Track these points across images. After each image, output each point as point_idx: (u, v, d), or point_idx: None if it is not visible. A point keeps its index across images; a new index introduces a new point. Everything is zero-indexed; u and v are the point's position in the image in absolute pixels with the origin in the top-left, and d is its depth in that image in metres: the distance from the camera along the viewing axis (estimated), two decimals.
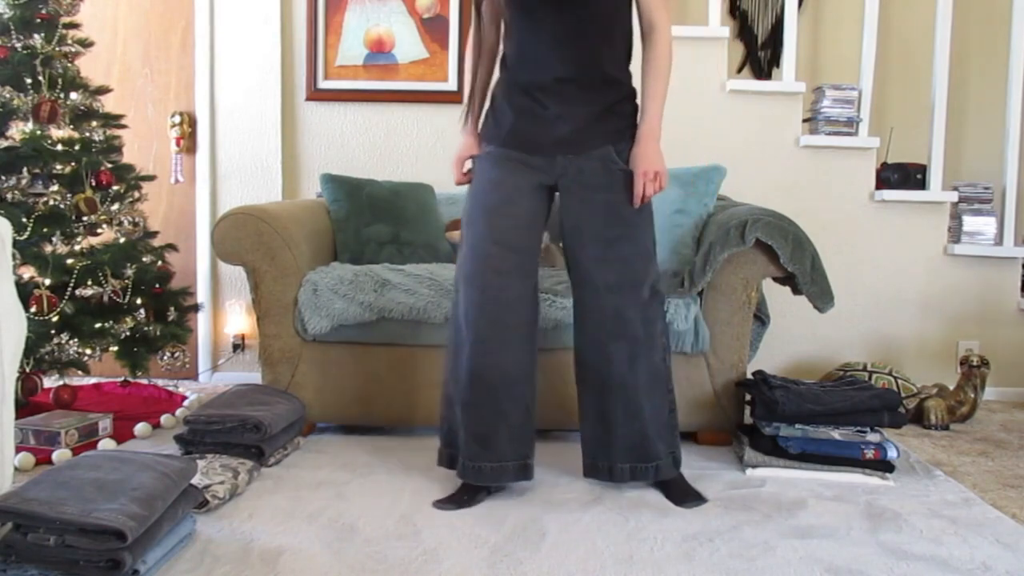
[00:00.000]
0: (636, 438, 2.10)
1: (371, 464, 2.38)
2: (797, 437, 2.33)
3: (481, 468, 2.05)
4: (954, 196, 3.43)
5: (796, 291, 2.55)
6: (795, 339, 3.47)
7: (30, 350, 2.61)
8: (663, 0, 2.04)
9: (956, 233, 3.47)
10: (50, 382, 2.84)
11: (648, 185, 2.01)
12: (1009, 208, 3.44)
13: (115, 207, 2.93)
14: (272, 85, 3.49)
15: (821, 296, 2.52)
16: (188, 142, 3.53)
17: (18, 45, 2.81)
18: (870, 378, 3.04)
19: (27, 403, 2.68)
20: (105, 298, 2.80)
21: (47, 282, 2.65)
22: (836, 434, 2.32)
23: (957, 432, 2.90)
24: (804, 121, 3.49)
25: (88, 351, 2.76)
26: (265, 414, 2.34)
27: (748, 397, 2.57)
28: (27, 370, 2.62)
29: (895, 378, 3.06)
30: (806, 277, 2.49)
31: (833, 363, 3.41)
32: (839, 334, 3.47)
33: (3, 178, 2.72)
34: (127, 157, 3.12)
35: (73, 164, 2.80)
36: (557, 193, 2.11)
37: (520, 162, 2.06)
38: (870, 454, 2.29)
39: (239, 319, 3.56)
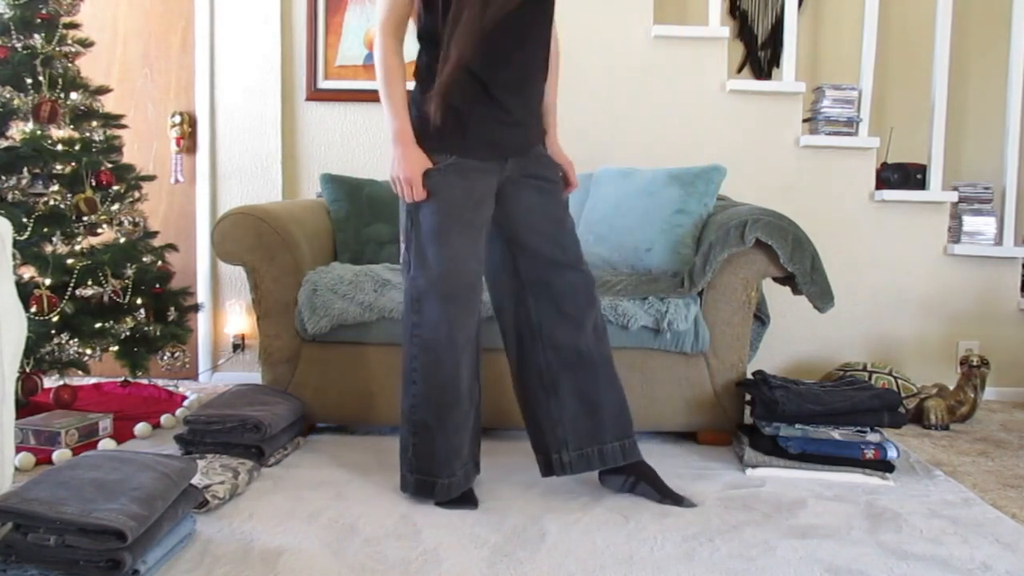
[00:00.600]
0: (617, 409, 2.12)
1: (371, 464, 2.38)
2: (797, 437, 2.33)
3: (456, 481, 2.05)
4: (954, 196, 3.43)
5: (796, 291, 2.56)
6: (795, 339, 3.47)
7: (30, 350, 2.61)
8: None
9: (956, 233, 3.47)
10: (50, 382, 2.84)
11: (574, 173, 2.24)
12: (1009, 208, 3.44)
13: (115, 207, 2.93)
14: (272, 85, 3.49)
15: (821, 296, 2.52)
16: (188, 142, 3.53)
17: (18, 45, 2.81)
18: (870, 378, 3.04)
19: (27, 403, 2.68)
20: (105, 298, 2.80)
21: (47, 282, 2.65)
22: (836, 434, 2.32)
23: (957, 432, 2.90)
24: (804, 121, 3.49)
25: (88, 351, 2.76)
26: (265, 414, 2.34)
27: (748, 397, 2.57)
28: (27, 370, 2.62)
29: (895, 378, 3.06)
30: (806, 277, 2.50)
31: (833, 363, 3.41)
32: (839, 334, 3.47)
33: (3, 178, 2.72)
34: (127, 157, 3.12)
35: (73, 164, 2.80)
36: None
37: (480, 171, 2.02)
38: (870, 454, 2.29)
39: (239, 319, 3.56)
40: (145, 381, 3.15)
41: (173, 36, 3.54)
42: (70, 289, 2.70)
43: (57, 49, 2.85)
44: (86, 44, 2.96)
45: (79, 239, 2.83)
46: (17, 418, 2.17)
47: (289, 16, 3.51)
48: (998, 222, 3.44)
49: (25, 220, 2.64)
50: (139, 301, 2.92)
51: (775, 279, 2.61)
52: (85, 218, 2.80)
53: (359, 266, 2.71)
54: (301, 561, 1.72)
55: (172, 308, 3.04)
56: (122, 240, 2.95)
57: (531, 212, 2.09)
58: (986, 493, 2.24)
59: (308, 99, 3.51)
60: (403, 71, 1.99)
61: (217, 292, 3.57)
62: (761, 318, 2.85)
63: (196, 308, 3.20)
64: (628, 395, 2.54)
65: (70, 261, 2.72)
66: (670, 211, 2.71)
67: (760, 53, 3.82)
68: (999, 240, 3.44)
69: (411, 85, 2.03)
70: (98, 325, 2.77)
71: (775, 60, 3.78)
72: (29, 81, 2.80)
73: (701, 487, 2.21)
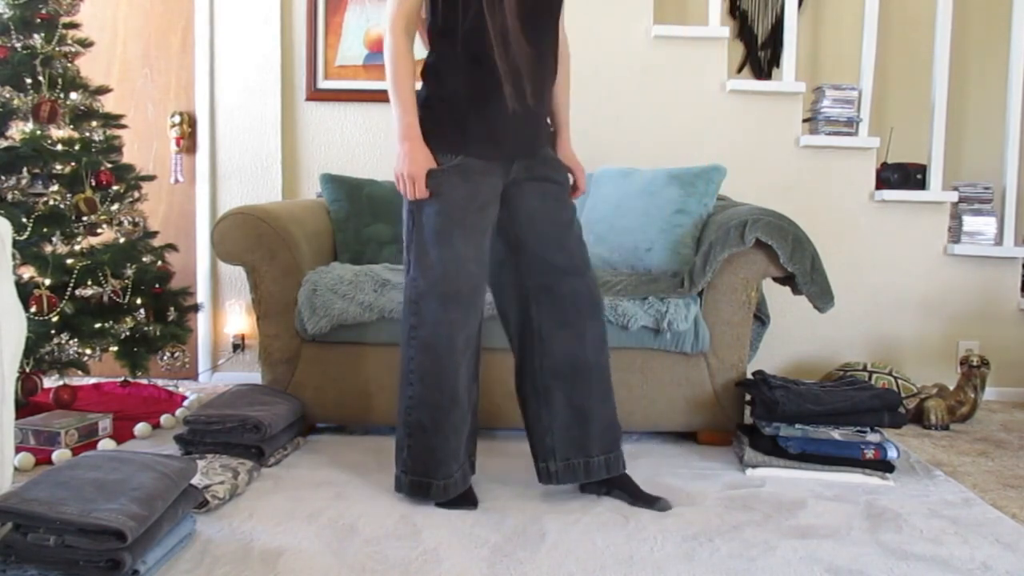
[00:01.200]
0: (607, 423, 2.09)
1: (371, 464, 2.38)
2: (797, 437, 2.33)
3: (453, 482, 2.03)
4: (954, 196, 3.43)
5: (796, 291, 2.56)
6: (795, 339, 3.46)
7: (30, 350, 2.61)
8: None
9: (956, 233, 3.47)
10: (50, 382, 2.84)
11: (584, 177, 2.22)
12: (1009, 208, 3.44)
13: (115, 207, 2.93)
14: (272, 85, 3.49)
15: (821, 296, 2.52)
16: (188, 142, 3.53)
17: (18, 45, 2.81)
18: (870, 378, 3.04)
19: (27, 403, 2.68)
20: (105, 298, 2.80)
21: (47, 282, 2.65)
22: (836, 434, 2.32)
23: (957, 432, 2.90)
24: (804, 121, 3.49)
25: (88, 351, 2.76)
26: (265, 414, 2.34)
27: (748, 397, 2.57)
28: (27, 370, 2.62)
29: (895, 378, 3.06)
30: (806, 277, 2.50)
31: (833, 363, 3.41)
32: (839, 334, 3.47)
33: (3, 178, 2.71)
34: (127, 157, 3.12)
35: (73, 164, 2.80)
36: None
37: (485, 172, 1.99)
38: (870, 454, 2.29)
39: (239, 319, 3.56)
40: (145, 381, 3.15)
41: (173, 36, 3.53)
42: (70, 289, 2.69)
43: (57, 49, 2.85)
44: (86, 44, 2.96)
45: (79, 239, 2.82)
46: (17, 418, 2.17)
47: (289, 16, 3.51)
48: (998, 222, 3.44)
49: (25, 220, 2.64)
50: (139, 301, 2.92)
51: (775, 279, 2.61)
52: (85, 218, 2.80)
53: (359, 266, 2.71)
54: (301, 561, 1.72)
55: (172, 308, 3.04)
56: (122, 240, 2.95)
57: (536, 215, 2.06)
58: (986, 493, 2.24)
59: (308, 99, 3.51)
60: (412, 67, 1.97)
61: (217, 292, 3.57)
62: (761, 318, 2.85)
63: (196, 308, 3.20)
64: (628, 395, 2.56)
65: (70, 261, 2.72)
66: (670, 211, 2.71)
67: (760, 53, 3.82)
68: (999, 240, 3.44)
69: (418, 85, 2.02)
70: (98, 325, 2.77)
71: (775, 60, 3.78)
72: (29, 81, 2.79)
73: (701, 487, 2.21)
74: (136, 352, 2.89)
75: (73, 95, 2.89)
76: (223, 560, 1.72)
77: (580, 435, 2.07)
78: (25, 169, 2.73)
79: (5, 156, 2.71)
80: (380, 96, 3.48)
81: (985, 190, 3.50)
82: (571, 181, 2.19)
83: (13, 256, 1.95)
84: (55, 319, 2.65)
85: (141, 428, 2.65)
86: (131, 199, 3.02)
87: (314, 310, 2.56)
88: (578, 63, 3.40)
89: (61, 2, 2.86)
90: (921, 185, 3.45)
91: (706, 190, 2.71)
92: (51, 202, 2.74)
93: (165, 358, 3.00)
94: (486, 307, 2.53)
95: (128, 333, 2.87)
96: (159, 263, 3.05)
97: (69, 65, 2.90)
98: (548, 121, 2.15)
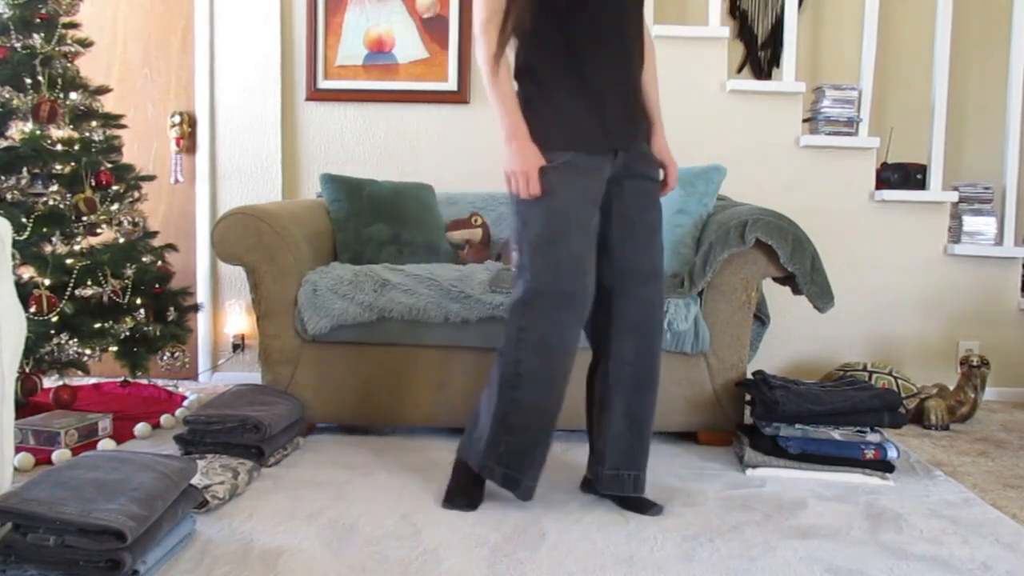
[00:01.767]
0: (648, 442, 2.06)
1: (371, 464, 2.38)
2: (797, 437, 2.33)
3: (535, 486, 2.01)
4: (954, 196, 3.43)
5: (796, 291, 2.55)
6: (795, 339, 3.46)
7: (30, 350, 2.60)
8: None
9: (956, 233, 3.46)
10: (50, 382, 2.84)
11: (677, 174, 2.14)
12: (1009, 208, 3.44)
13: (115, 207, 2.93)
14: (272, 85, 3.49)
15: (821, 296, 2.52)
16: (188, 142, 3.53)
17: (18, 45, 2.81)
18: (870, 378, 3.04)
19: (27, 403, 2.68)
20: (105, 298, 2.80)
21: (47, 282, 2.65)
22: (836, 434, 2.32)
23: (957, 432, 2.90)
24: (804, 121, 3.49)
25: (88, 351, 2.76)
26: (265, 414, 2.34)
27: (748, 397, 2.57)
28: (27, 370, 2.62)
29: (895, 378, 3.06)
30: (806, 277, 2.49)
31: (833, 363, 3.41)
32: (839, 334, 3.47)
33: (3, 178, 2.71)
34: (127, 157, 3.12)
35: (73, 164, 2.80)
36: None
37: (593, 168, 1.94)
38: (870, 454, 2.29)
39: (239, 319, 3.56)
40: (145, 381, 3.15)
41: (173, 36, 3.53)
42: (69, 289, 2.69)
43: (56, 49, 2.85)
44: (86, 44, 2.96)
45: (79, 239, 2.82)
46: (17, 418, 2.17)
47: (289, 16, 3.51)
48: (998, 222, 3.44)
49: (25, 220, 2.64)
50: (139, 301, 2.92)
51: (775, 279, 2.61)
52: (85, 218, 2.80)
53: (359, 266, 2.71)
54: (301, 561, 1.72)
55: (172, 308, 3.04)
56: (122, 240, 2.94)
57: (630, 216, 2.00)
58: (986, 493, 2.24)
59: (308, 99, 3.51)
60: (508, 68, 1.94)
61: (217, 292, 3.57)
62: (761, 318, 2.85)
63: (196, 308, 3.20)
64: None
65: (69, 261, 2.72)
66: (670, 211, 2.70)
67: (760, 53, 3.81)
68: (999, 240, 3.44)
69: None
70: (98, 325, 2.77)
71: (775, 60, 3.78)
72: (28, 81, 2.79)
73: (701, 487, 2.21)
74: (136, 352, 2.89)
75: (73, 95, 2.89)
76: (223, 560, 1.72)
77: (632, 446, 2.04)
78: (25, 169, 2.73)
79: (5, 156, 2.71)
80: (380, 96, 3.48)
81: (985, 190, 3.50)
82: (661, 177, 2.13)
83: (13, 256, 1.95)
84: (55, 319, 2.65)
85: (141, 428, 2.65)
86: (131, 199, 3.01)
87: (314, 310, 2.56)
88: None
89: (61, 2, 2.86)
90: (921, 185, 3.45)
91: (706, 190, 2.71)
92: (51, 202, 2.74)
93: (165, 358, 3.00)
94: (486, 307, 2.54)
95: (128, 333, 2.87)
96: (159, 263, 3.05)
97: (69, 65, 2.90)
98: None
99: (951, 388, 3.07)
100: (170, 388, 3.17)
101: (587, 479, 2.15)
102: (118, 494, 1.61)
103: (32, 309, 2.58)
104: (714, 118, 3.45)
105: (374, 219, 2.99)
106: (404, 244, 2.96)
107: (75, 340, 2.72)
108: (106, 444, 2.51)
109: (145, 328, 2.92)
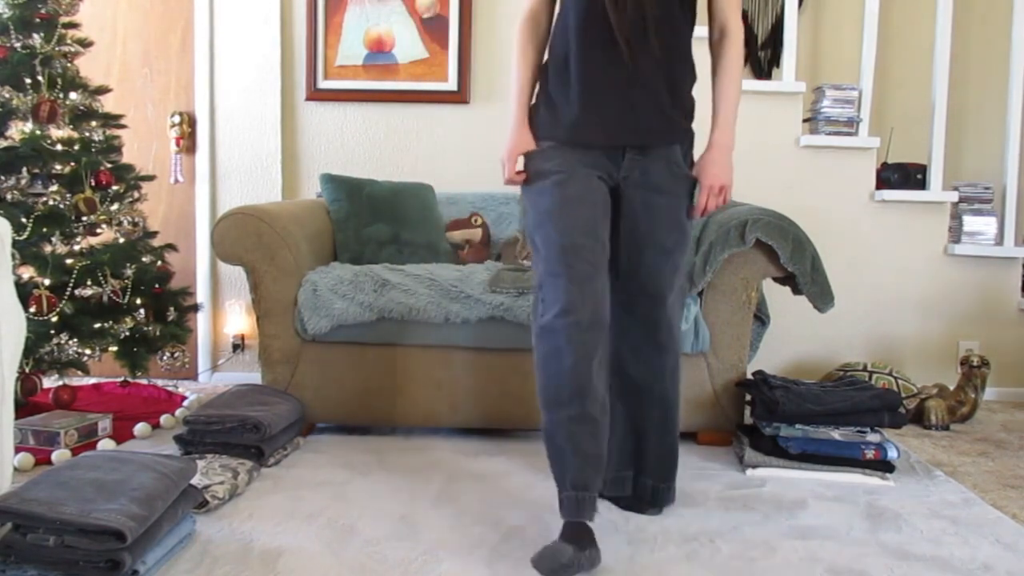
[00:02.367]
0: (665, 450, 2.02)
1: (371, 464, 2.38)
2: (797, 437, 2.32)
3: (590, 495, 1.75)
4: (954, 196, 3.43)
5: (796, 291, 2.55)
6: (795, 339, 3.46)
7: (30, 350, 2.60)
8: (738, 2, 1.93)
9: (956, 233, 3.46)
10: (50, 382, 2.83)
11: (712, 199, 1.89)
12: (1009, 208, 3.44)
13: (115, 207, 2.92)
14: (272, 85, 3.49)
15: (821, 296, 2.52)
16: (188, 142, 3.53)
17: (17, 45, 2.80)
18: (870, 378, 3.03)
19: (27, 403, 2.68)
20: (105, 298, 2.80)
21: (47, 282, 2.65)
22: (836, 434, 2.32)
23: (957, 432, 2.90)
24: (804, 121, 3.48)
25: (88, 351, 2.76)
26: (265, 414, 2.34)
27: (748, 397, 2.57)
28: (27, 370, 2.62)
29: (895, 378, 3.06)
30: (806, 277, 2.49)
31: (833, 363, 3.41)
32: (839, 334, 3.47)
33: (3, 178, 2.71)
34: (127, 157, 3.12)
35: (73, 164, 2.80)
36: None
37: (583, 163, 1.86)
38: (870, 454, 2.29)
39: (239, 319, 3.56)
40: (145, 381, 3.15)
41: (173, 36, 3.53)
42: (69, 289, 2.69)
43: (56, 49, 2.84)
44: (85, 44, 2.96)
45: (78, 239, 2.82)
46: (16, 418, 2.17)
47: (289, 16, 3.51)
48: (998, 222, 3.44)
49: (24, 220, 2.64)
50: (139, 301, 2.91)
51: (775, 279, 2.61)
52: (84, 218, 2.80)
53: (359, 266, 2.70)
54: (301, 561, 1.72)
55: (172, 308, 3.04)
56: (121, 240, 2.94)
57: (636, 232, 1.90)
58: (986, 493, 2.23)
59: (308, 99, 3.51)
60: (530, 59, 1.94)
61: (217, 292, 3.57)
62: (761, 318, 2.85)
63: (196, 308, 3.20)
64: None
65: (69, 261, 2.72)
66: None
67: (760, 53, 3.81)
68: (999, 240, 3.44)
69: None
70: (97, 325, 2.77)
71: (775, 60, 3.78)
72: (28, 81, 2.79)
73: (701, 487, 2.21)
74: (136, 352, 2.89)
75: (73, 95, 2.89)
76: (223, 560, 1.71)
77: (634, 450, 2.04)
78: (25, 169, 2.73)
79: (5, 156, 2.71)
80: (380, 96, 3.48)
81: (985, 190, 3.50)
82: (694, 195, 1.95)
83: (13, 256, 1.95)
84: (55, 319, 2.65)
85: (141, 428, 2.65)
86: (131, 199, 3.01)
87: (314, 310, 2.55)
88: None
89: (60, 2, 2.86)
90: (921, 185, 3.45)
91: None
92: (51, 202, 2.73)
93: (165, 358, 3.00)
94: (485, 307, 2.53)
95: (128, 333, 2.87)
96: (159, 263, 3.04)
97: (69, 65, 2.90)
98: (678, 110, 1.91)
99: (951, 388, 3.07)
100: (170, 388, 3.17)
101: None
102: (118, 494, 1.61)
103: (32, 309, 2.58)
104: None
105: (374, 219, 2.98)
106: (404, 244, 2.96)
107: (75, 340, 2.72)
108: (106, 444, 2.51)
109: (145, 328, 2.92)
